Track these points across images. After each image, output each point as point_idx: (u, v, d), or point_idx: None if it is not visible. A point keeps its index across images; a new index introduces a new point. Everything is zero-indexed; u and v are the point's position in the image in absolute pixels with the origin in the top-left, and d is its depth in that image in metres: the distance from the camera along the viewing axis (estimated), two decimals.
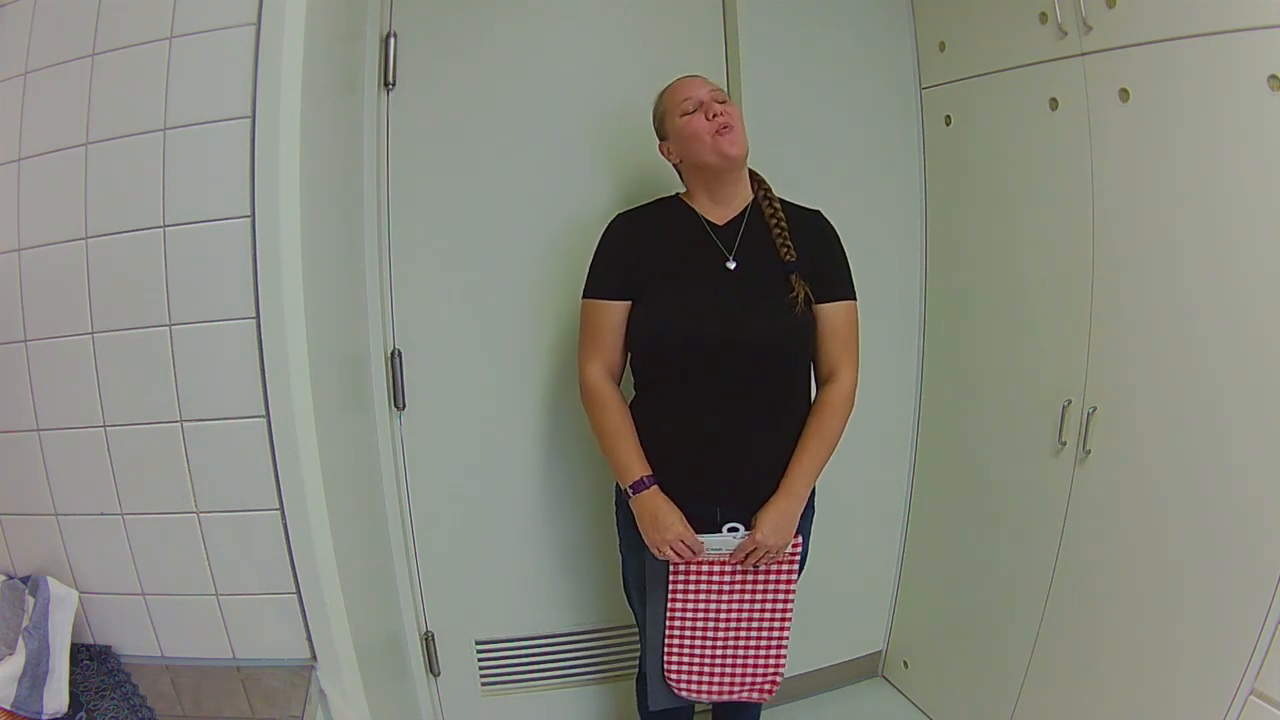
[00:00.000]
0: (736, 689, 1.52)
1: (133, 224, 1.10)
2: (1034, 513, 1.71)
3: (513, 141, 1.77)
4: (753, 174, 1.51)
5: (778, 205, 1.48)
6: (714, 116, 1.39)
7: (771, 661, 1.51)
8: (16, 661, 1.01)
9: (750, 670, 1.51)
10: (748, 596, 1.47)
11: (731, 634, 1.49)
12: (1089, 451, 1.56)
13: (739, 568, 1.45)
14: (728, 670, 1.51)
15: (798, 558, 1.47)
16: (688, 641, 1.49)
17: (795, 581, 1.47)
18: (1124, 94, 1.43)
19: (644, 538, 1.43)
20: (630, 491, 1.43)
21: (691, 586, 1.47)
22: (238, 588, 1.17)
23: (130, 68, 1.09)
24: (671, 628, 1.49)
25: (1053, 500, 1.65)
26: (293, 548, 1.16)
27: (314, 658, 1.20)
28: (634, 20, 1.82)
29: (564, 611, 1.95)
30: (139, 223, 1.09)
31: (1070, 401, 1.60)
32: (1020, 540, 1.77)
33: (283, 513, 1.15)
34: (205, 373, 1.12)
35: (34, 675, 1.02)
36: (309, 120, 1.14)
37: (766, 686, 1.52)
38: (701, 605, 1.47)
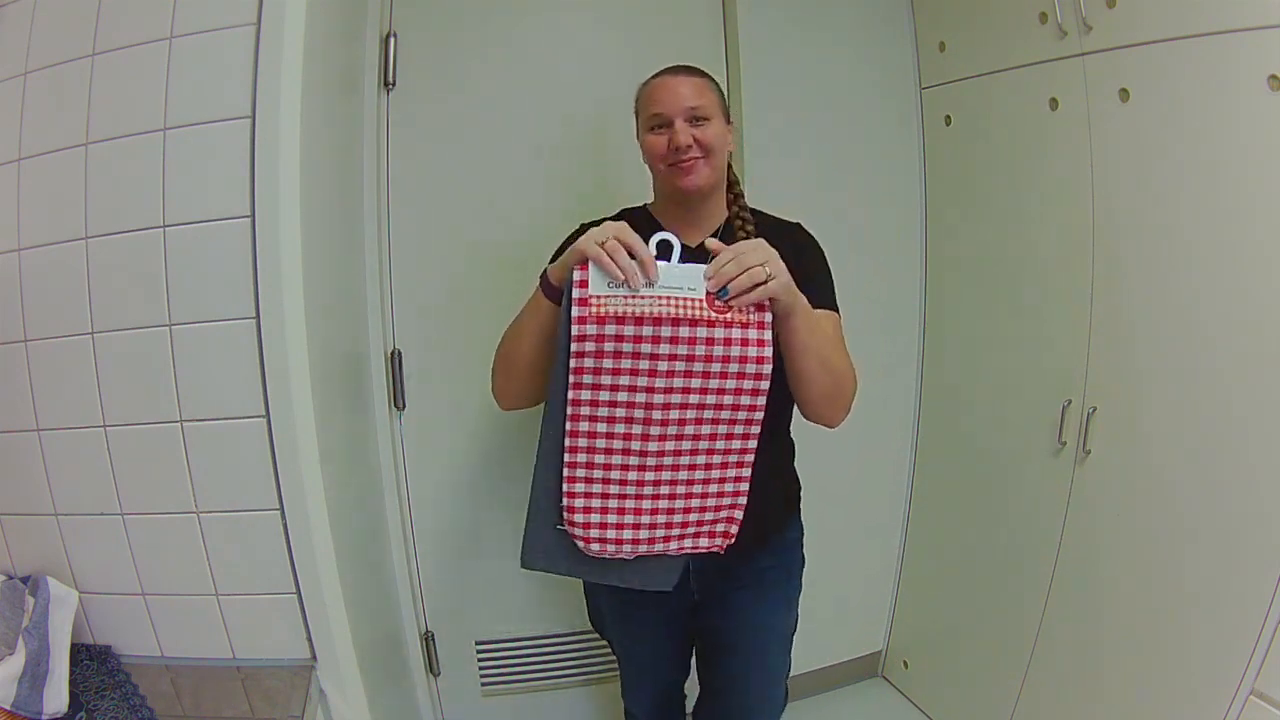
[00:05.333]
0: (676, 533, 1.12)
1: (133, 224, 1.09)
2: (1034, 513, 1.71)
3: (513, 141, 1.77)
4: (730, 182, 1.35)
5: (751, 234, 1.27)
6: (674, 149, 1.21)
7: (729, 489, 1.11)
8: (16, 661, 1.01)
9: (700, 504, 1.11)
10: (697, 383, 1.03)
11: (670, 445, 1.07)
12: (1089, 451, 1.56)
13: (687, 335, 1.01)
14: (663, 505, 1.09)
15: (767, 344, 1.04)
16: (600, 459, 1.07)
17: (768, 379, 1.05)
18: (1124, 94, 1.43)
19: (572, 258, 1.05)
20: (545, 292, 1.13)
21: (608, 364, 1.01)
22: (238, 588, 1.17)
23: (130, 68, 1.08)
24: (575, 436, 1.06)
25: (1053, 500, 1.65)
26: (293, 548, 1.16)
27: (314, 658, 1.20)
28: (634, 20, 1.82)
29: (564, 612, 1.95)
30: (139, 223, 1.09)
31: (1070, 401, 1.60)
32: (1020, 540, 1.77)
33: (283, 513, 1.15)
34: (205, 373, 1.12)
35: (34, 675, 1.02)
36: (309, 120, 1.14)
37: (720, 528, 1.14)
38: (623, 395, 1.03)
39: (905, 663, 2.18)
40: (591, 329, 1.02)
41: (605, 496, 1.09)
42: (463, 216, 1.78)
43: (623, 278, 1.02)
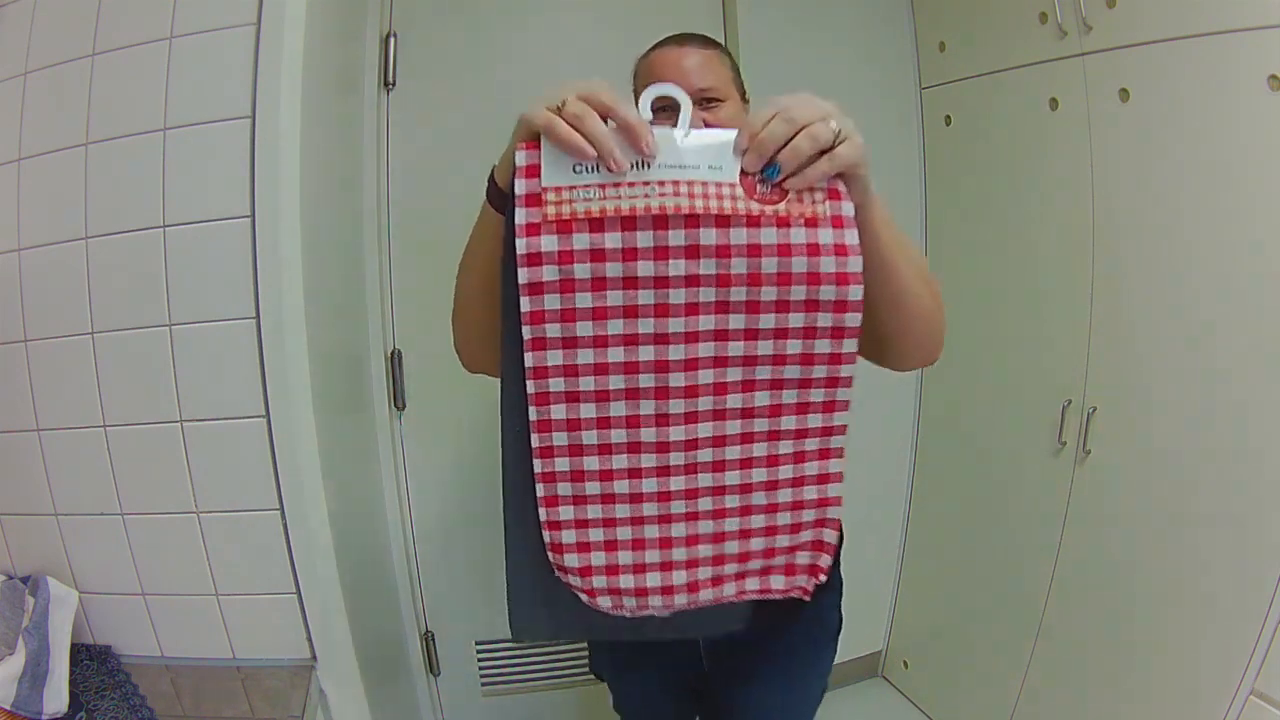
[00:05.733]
0: (734, 570, 0.72)
1: (133, 224, 1.09)
2: (1034, 513, 1.70)
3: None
4: None
5: None
6: None
7: (812, 494, 0.72)
8: (16, 661, 1.01)
9: (765, 521, 0.72)
10: (739, 322, 0.66)
11: (706, 430, 0.68)
12: (1089, 452, 1.56)
13: (715, 241, 0.64)
14: (705, 529, 0.71)
15: (850, 249, 0.66)
16: (592, 463, 0.68)
17: (857, 307, 0.68)
18: (1124, 94, 1.43)
19: (522, 130, 0.69)
20: (491, 201, 0.83)
21: (584, 302, 0.64)
22: (238, 588, 1.17)
23: (130, 68, 1.08)
24: (546, 429, 0.67)
25: (1053, 500, 1.65)
26: (293, 548, 1.16)
27: (314, 658, 1.20)
28: (634, 20, 1.82)
29: None
30: (139, 223, 1.09)
31: (1070, 401, 1.60)
32: (1020, 540, 1.77)
33: (283, 513, 1.15)
34: (205, 373, 1.12)
35: (34, 675, 1.02)
36: (309, 120, 1.14)
37: (803, 558, 0.74)
38: (617, 352, 0.65)
39: (905, 663, 2.18)
40: (550, 243, 0.63)
41: (610, 523, 0.69)
42: (463, 216, 1.76)
43: (594, 155, 0.62)
